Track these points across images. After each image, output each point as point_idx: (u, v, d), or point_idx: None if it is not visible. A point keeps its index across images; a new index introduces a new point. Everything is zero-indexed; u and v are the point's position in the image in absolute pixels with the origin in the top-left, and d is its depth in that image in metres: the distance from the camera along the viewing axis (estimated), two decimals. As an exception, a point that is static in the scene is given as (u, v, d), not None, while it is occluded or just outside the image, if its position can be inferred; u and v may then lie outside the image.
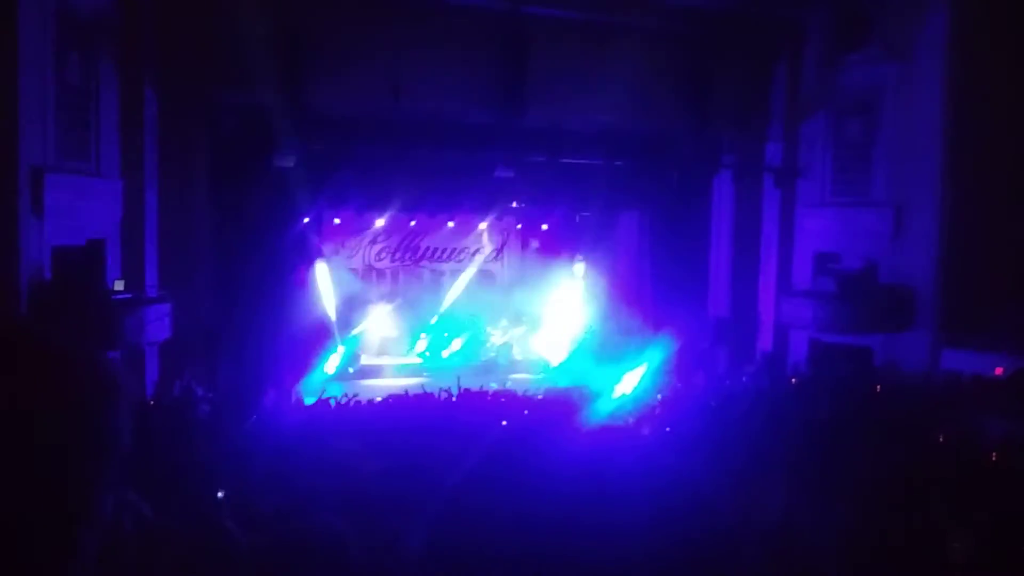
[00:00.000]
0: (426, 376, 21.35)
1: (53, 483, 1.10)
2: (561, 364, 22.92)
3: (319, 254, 21.11)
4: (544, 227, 24.24)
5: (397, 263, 24.27)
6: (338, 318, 21.70)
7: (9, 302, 12.71)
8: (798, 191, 20.54)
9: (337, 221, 22.09)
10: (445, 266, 24.78)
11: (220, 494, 8.21)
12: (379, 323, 23.42)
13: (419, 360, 23.07)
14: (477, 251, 24.87)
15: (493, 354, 23.51)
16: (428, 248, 24.58)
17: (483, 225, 24.14)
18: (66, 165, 14.20)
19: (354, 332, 22.39)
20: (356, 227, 23.12)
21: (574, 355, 22.70)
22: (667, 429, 11.66)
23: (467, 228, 24.25)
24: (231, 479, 9.06)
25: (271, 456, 10.06)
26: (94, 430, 1.15)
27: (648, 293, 22.39)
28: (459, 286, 24.02)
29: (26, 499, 1.07)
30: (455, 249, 24.76)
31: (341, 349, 21.46)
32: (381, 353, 23.20)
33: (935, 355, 17.36)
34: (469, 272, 24.28)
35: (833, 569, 6.42)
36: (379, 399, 15.64)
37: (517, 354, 23.83)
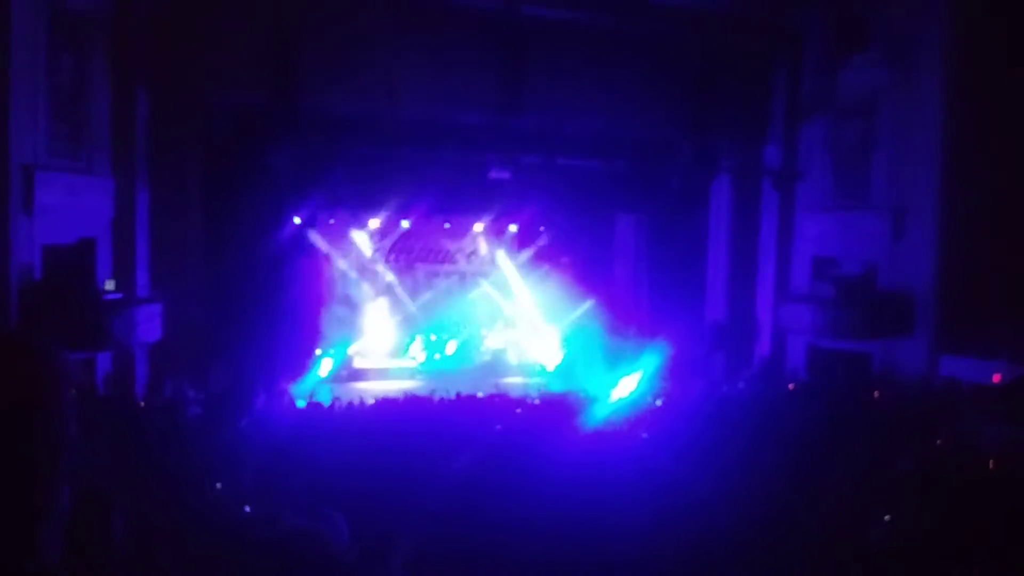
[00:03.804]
0: (420, 379, 21.25)
1: (8, 475, 1.10)
2: (557, 368, 22.81)
3: (312, 252, 21.07)
4: (540, 229, 24.12)
5: (390, 264, 24.10)
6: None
7: (-2, 301, 12.59)
8: (797, 195, 20.46)
9: (332, 222, 21.95)
10: (440, 268, 24.65)
11: (218, 485, 8.12)
12: (374, 325, 23.29)
13: (413, 363, 22.94)
14: (472, 253, 24.73)
15: (488, 357, 23.40)
16: (422, 249, 24.42)
17: (478, 227, 24.00)
18: (57, 163, 14.08)
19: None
20: (350, 228, 22.96)
21: (570, 359, 22.59)
22: (661, 434, 11.54)
23: (462, 230, 24.12)
24: (222, 481, 8.94)
25: (262, 458, 9.94)
26: (41, 423, 1.15)
27: (645, 297, 22.29)
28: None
29: None
30: (450, 251, 24.61)
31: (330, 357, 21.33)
32: (375, 356, 23.06)
33: (933, 361, 17.26)
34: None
35: (824, 569, 6.36)
36: (372, 401, 15.52)
37: (512, 357, 23.70)
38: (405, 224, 22.98)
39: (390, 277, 23.82)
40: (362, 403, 15.27)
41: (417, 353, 23.13)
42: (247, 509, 7.78)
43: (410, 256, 24.28)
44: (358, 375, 21.79)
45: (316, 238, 21.54)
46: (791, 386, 17.48)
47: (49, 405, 1.16)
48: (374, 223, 22.79)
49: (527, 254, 24.46)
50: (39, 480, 1.13)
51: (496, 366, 22.99)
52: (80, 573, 1.21)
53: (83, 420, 1.25)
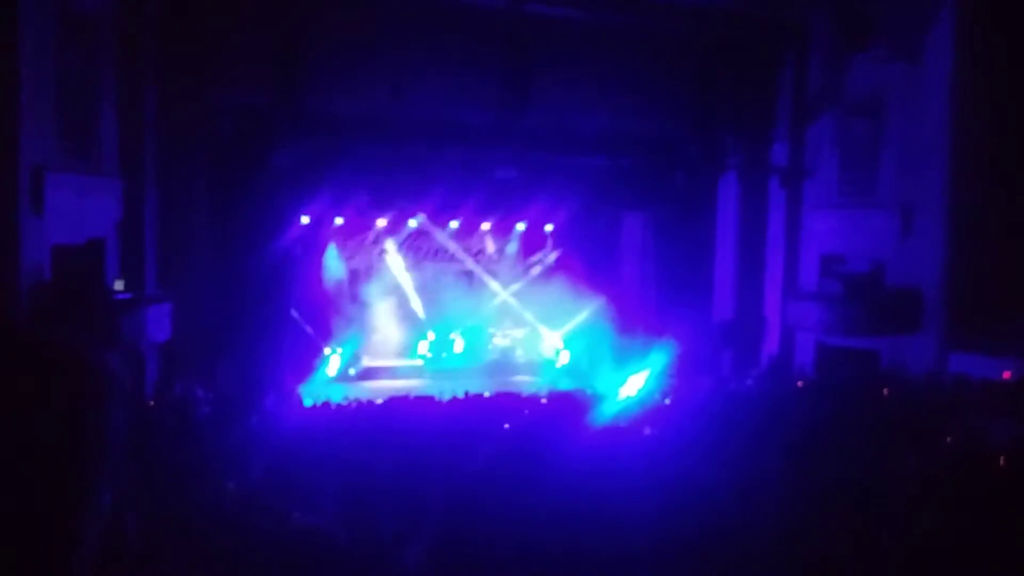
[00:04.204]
0: (429, 378, 21.28)
1: (53, 478, 1.13)
2: (565, 366, 22.82)
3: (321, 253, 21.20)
4: (548, 227, 24.10)
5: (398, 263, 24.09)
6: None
7: (9, 301, 12.64)
8: (804, 192, 20.39)
9: (339, 221, 21.97)
10: (448, 267, 24.65)
11: (230, 486, 8.15)
12: (382, 323, 23.32)
13: (422, 362, 22.96)
14: (480, 252, 24.73)
15: (496, 355, 23.42)
16: (430, 248, 24.42)
17: (485, 226, 24.00)
18: (66, 164, 14.12)
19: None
20: (357, 227, 22.98)
21: (578, 357, 22.59)
22: (670, 431, 11.55)
23: (470, 228, 24.11)
24: (232, 479, 8.98)
25: (272, 457, 9.98)
26: (91, 425, 1.18)
27: (652, 295, 22.27)
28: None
29: (27, 494, 1.11)
30: (458, 249, 24.60)
31: (340, 351, 21.38)
32: (384, 354, 23.08)
33: (943, 358, 17.20)
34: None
35: (832, 565, 6.36)
36: (380, 401, 15.56)
37: (520, 355, 23.72)
38: (413, 223, 23.00)
39: (398, 275, 23.83)
40: (370, 402, 15.31)
41: (425, 352, 23.15)
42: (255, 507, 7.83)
43: (418, 255, 24.30)
44: (367, 374, 21.82)
45: (324, 237, 21.62)
46: (799, 383, 17.46)
47: (97, 408, 1.19)
48: (381, 222, 22.81)
49: (537, 254, 24.47)
50: (84, 482, 1.17)
51: (504, 364, 23.01)
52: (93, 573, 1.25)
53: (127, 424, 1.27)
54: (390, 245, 23.25)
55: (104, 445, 1.19)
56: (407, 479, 7.50)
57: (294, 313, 20.19)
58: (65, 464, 1.14)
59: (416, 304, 23.53)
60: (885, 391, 15.54)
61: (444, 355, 23.11)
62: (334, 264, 22.76)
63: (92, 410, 1.18)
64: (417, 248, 24.20)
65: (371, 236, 23.46)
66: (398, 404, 15.07)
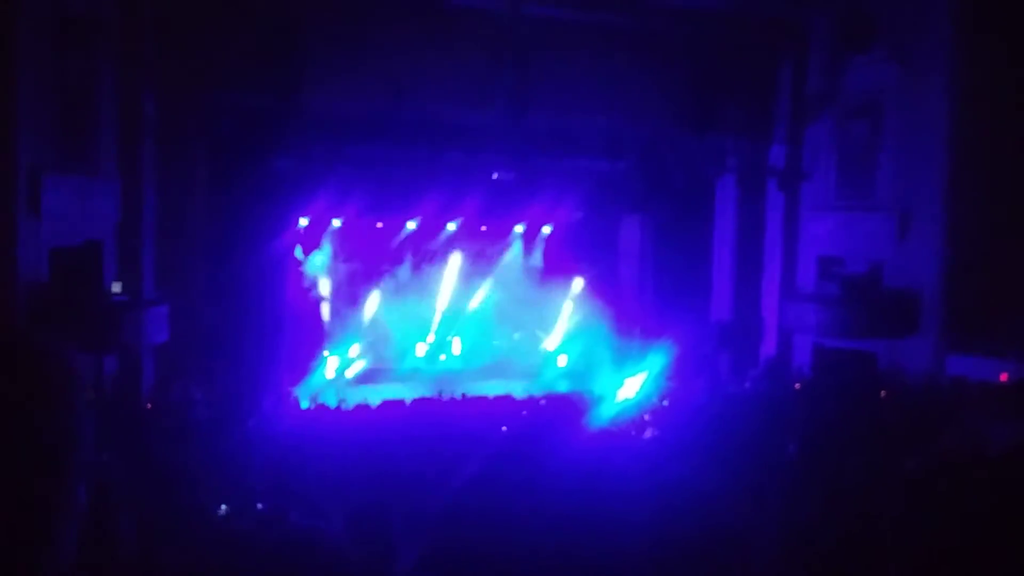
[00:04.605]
0: (426, 380, 21.24)
1: (23, 475, 1.12)
2: (563, 368, 22.80)
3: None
4: (546, 229, 24.07)
5: (397, 265, 24.04)
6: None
7: (6, 303, 12.63)
8: (802, 194, 20.41)
9: (337, 223, 21.92)
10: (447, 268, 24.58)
11: (223, 507, 8.08)
12: (379, 325, 23.27)
13: (419, 364, 22.90)
14: (478, 253, 24.67)
15: (494, 357, 23.38)
16: (428, 251, 24.35)
17: (483, 228, 23.95)
18: (64, 165, 14.11)
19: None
20: (355, 229, 22.91)
21: (575, 359, 22.58)
22: (668, 433, 11.56)
23: (468, 230, 24.05)
24: (229, 482, 8.97)
25: (268, 459, 9.97)
26: (56, 421, 1.18)
27: (650, 297, 22.27)
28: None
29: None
30: (456, 252, 24.53)
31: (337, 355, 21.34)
32: (381, 357, 23.03)
33: (940, 360, 17.21)
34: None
35: (832, 566, 6.35)
36: (377, 403, 15.55)
37: (518, 357, 23.67)
38: (411, 225, 22.96)
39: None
40: (367, 405, 15.30)
41: (423, 354, 23.11)
42: (258, 507, 7.80)
43: (416, 257, 24.23)
44: (363, 376, 21.77)
45: (321, 239, 21.61)
46: (797, 385, 17.47)
47: (62, 405, 1.19)
48: (379, 224, 22.76)
49: (534, 255, 24.43)
50: (54, 479, 1.16)
51: (502, 366, 22.97)
52: (89, 572, 1.24)
53: (94, 421, 1.28)
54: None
55: (72, 441, 1.19)
56: (403, 483, 7.50)
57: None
58: (36, 461, 1.14)
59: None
60: (883, 393, 15.55)
61: (442, 357, 23.08)
62: (333, 266, 22.71)
63: (57, 405, 1.18)
64: (415, 250, 24.13)
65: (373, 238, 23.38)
66: (395, 407, 15.07)
